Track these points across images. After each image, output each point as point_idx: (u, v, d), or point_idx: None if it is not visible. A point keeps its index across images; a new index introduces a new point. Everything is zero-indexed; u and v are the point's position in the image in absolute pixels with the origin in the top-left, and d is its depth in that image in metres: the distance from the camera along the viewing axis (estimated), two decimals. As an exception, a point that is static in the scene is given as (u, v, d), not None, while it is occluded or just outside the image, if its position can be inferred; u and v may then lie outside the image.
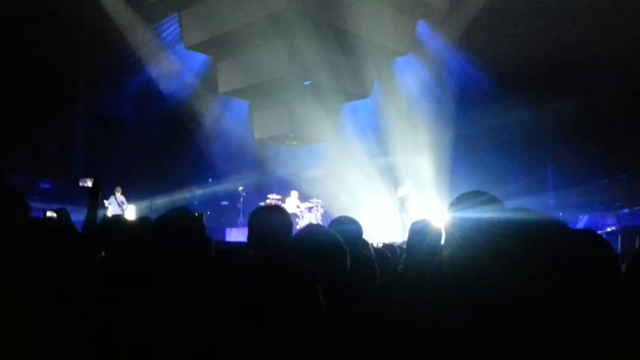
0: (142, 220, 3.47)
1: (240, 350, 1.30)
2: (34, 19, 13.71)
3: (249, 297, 1.33)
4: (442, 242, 3.72)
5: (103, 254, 3.50)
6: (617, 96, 12.89)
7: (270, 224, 2.47)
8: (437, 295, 2.11)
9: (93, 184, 3.99)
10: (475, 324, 0.93)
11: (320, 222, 14.20)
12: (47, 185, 15.84)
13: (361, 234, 3.05)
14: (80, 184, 4.11)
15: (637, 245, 9.75)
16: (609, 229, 12.01)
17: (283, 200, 15.41)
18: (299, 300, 1.37)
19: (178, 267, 2.01)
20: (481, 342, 0.93)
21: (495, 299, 0.89)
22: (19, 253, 1.71)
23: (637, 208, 13.35)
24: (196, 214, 2.86)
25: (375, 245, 5.87)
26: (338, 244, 2.08)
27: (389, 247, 5.20)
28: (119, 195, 13.82)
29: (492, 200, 2.11)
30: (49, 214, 3.91)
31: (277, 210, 2.62)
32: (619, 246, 10.05)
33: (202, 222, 2.38)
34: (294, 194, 15.38)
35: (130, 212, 13.64)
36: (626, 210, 13.60)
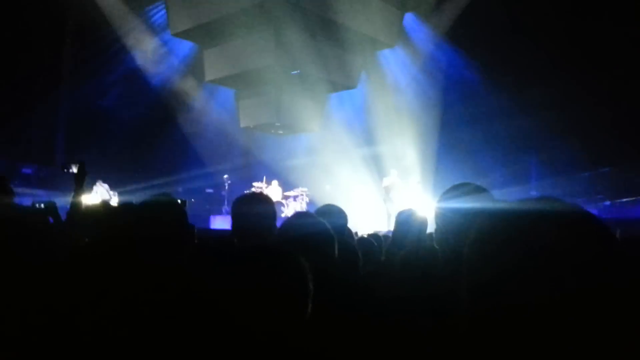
0: (124, 207, 3.46)
1: (225, 337, 1.30)
2: (17, 3, 13.46)
3: (239, 284, 1.33)
4: (429, 231, 3.76)
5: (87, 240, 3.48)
6: (601, 89, 13.02)
7: (254, 213, 2.41)
8: (421, 284, 2.13)
9: (78, 169, 3.96)
10: (462, 317, 0.92)
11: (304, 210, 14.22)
12: (29, 171, 15.64)
13: (346, 222, 3.06)
14: (65, 170, 4.06)
15: (617, 236, 9.89)
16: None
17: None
18: (293, 288, 1.37)
19: (160, 252, 2.00)
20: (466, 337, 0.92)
21: (483, 289, 0.88)
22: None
23: (618, 200, 13.56)
24: (179, 200, 2.84)
25: (360, 234, 5.91)
26: (327, 233, 2.06)
27: (373, 237, 5.23)
28: (102, 184, 13.70)
29: (479, 189, 2.12)
30: (36, 205, 3.86)
31: (261, 198, 2.56)
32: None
33: (184, 209, 2.37)
34: (275, 183, 15.33)
35: (114, 200, 13.55)
36: (607, 203, 13.80)
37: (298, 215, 2.31)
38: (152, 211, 2.16)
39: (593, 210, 13.08)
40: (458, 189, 1.97)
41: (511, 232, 0.84)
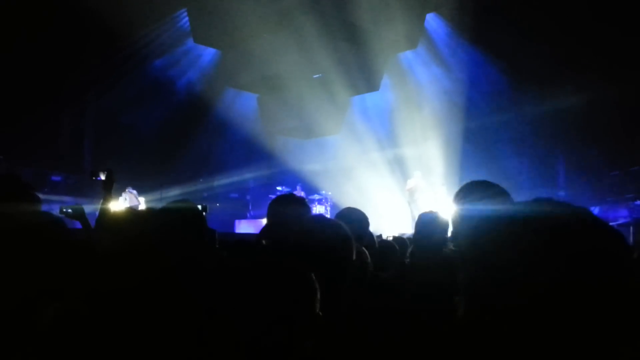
0: (147, 212, 3.52)
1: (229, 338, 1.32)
2: (43, 12, 13.76)
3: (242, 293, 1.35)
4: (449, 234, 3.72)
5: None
6: (629, 88, 12.75)
7: (290, 214, 2.39)
8: (443, 289, 2.12)
9: (106, 176, 4.05)
10: (480, 326, 0.91)
11: (328, 214, 14.23)
12: (58, 178, 15.94)
13: (367, 226, 3.02)
14: (94, 178, 4.15)
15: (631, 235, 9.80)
16: (621, 221, 11.94)
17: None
18: (292, 299, 1.38)
19: (178, 258, 2.02)
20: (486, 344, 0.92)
21: (505, 298, 0.88)
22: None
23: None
24: (199, 206, 2.88)
25: (384, 237, 5.88)
26: (344, 235, 2.04)
27: (398, 240, 5.21)
28: (131, 191, 13.89)
29: (501, 193, 2.10)
30: (64, 210, 3.95)
31: (299, 200, 2.56)
32: (631, 238, 10.02)
33: (202, 214, 2.39)
34: (299, 187, 15.38)
35: (143, 206, 13.72)
36: (638, 202, 13.47)
37: (314, 217, 2.30)
38: (170, 216, 2.19)
39: (624, 210, 12.84)
40: (479, 192, 1.95)
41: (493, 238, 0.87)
